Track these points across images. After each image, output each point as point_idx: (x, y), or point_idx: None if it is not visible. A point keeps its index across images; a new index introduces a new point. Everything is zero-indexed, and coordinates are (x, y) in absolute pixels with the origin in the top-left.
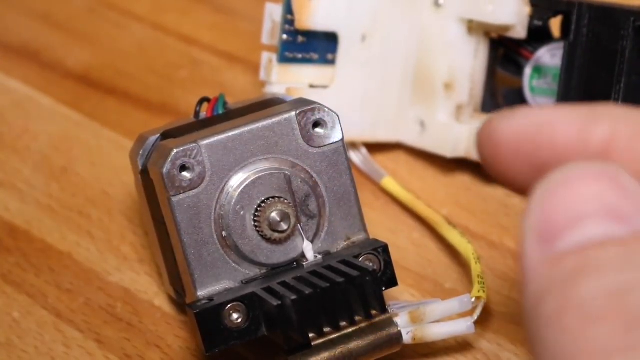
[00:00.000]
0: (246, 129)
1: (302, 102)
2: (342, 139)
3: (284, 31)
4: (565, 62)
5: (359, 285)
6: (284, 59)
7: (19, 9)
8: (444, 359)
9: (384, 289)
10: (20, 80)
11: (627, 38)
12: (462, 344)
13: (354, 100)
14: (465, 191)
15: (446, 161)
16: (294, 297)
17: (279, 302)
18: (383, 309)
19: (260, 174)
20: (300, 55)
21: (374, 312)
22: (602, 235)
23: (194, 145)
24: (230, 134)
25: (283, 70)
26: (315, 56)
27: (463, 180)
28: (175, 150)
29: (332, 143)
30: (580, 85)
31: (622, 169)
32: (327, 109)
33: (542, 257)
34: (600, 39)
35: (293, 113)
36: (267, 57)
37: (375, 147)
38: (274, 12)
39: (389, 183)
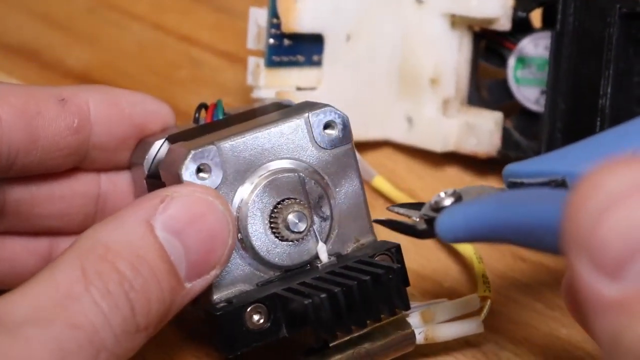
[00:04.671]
0: (262, 131)
1: (311, 105)
2: (352, 141)
3: (270, 35)
4: (553, 52)
5: (384, 282)
6: (271, 63)
7: (19, 9)
8: (444, 358)
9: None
10: (21, 80)
11: (613, 25)
12: (461, 343)
13: (342, 100)
14: (459, 185)
15: (435, 156)
16: (323, 295)
17: (310, 300)
18: (406, 306)
19: (276, 176)
20: (287, 59)
21: (383, 315)
22: None
23: (211, 147)
24: (246, 136)
25: (271, 74)
26: (301, 58)
27: (455, 174)
28: (193, 152)
29: (343, 145)
30: (569, 74)
31: None
32: (338, 111)
33: (611, 296)
34: (587, 27)
35: (306, 115)
36: (254, 62)
37: (362, 146)
38: (258, 17)
39: (380, 182)
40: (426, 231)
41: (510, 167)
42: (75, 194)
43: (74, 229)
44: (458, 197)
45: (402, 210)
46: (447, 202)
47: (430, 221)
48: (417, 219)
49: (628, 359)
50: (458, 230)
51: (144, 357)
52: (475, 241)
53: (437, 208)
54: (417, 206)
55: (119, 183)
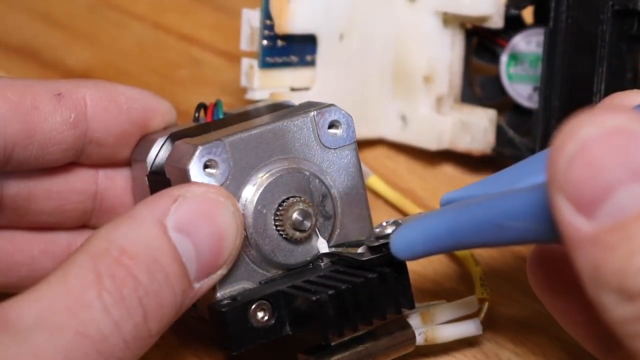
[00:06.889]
0: (268, 128)
1: (315, 104)
2: (356, 141)
3: (264, 36)
4: (546, 49)
5: (390, 280)
6: (265, 64)
7: (19, 9)
8: (445, 358)
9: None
10: None
11: (606, 22)
12: (462, 343)
13: (336, 99)
14: (458, 183)
15: (430, 154)
16: (331, 291)
17: (318, 297)
18: (412, 305)
19: (281, 174)
20: (280, 59)
21: (389, 313)
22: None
23: (218, 142)
24: (253, 132)
25: (265, 76)
26: (295, 59)
27: (451, 172)
28: (200, 148)
29: (346, 145)
30: (563, 71)
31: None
32: (342, 110)
33: (587, 231)
34: (580, 24)
35: (312, 113)
36: (248, 64)
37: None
38: (251, 18)
39: (375, 182)
40: (370, 260)
41: (446, 196)
42: (72, 190)
43: (72, 224)
44: (399, 226)
45: (341, 249)
46: (389, 230)
47: (375, 249)
48: (361, 251)
49: (606, 289)
50: (416, 242)
51: (144, 357)
52: (432, 252)
53: (382, 236)
54: (359, 242)
55: (116, 180)
